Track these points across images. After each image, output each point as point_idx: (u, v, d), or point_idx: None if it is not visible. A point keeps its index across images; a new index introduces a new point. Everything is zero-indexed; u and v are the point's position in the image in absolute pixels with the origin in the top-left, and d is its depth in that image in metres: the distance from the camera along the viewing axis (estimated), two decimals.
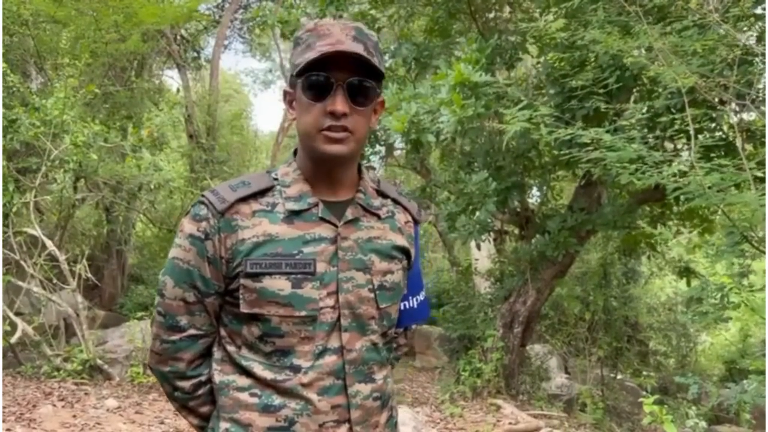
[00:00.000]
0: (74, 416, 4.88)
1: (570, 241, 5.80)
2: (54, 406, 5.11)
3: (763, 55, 4.56)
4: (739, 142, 4.21)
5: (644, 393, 7.01)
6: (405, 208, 1.40)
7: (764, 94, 4.87)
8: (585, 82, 4.57)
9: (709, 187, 3.27)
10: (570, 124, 3.97)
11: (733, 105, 4.19)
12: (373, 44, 1.22)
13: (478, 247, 6.51)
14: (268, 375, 1.21)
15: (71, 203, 8.10)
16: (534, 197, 7.15)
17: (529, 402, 6.29)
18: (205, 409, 1.32)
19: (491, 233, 7.15)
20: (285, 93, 1.29)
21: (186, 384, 1.30)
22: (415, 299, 1.45)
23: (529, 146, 5.63)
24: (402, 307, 1.42)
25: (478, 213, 5.56)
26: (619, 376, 8.36)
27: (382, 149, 6.65)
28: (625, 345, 8.21)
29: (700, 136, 4.31)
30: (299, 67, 1.19)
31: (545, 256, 6.05)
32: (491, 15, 6.62)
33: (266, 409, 1.20)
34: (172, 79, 14.28)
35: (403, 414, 4.85)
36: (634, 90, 5.18)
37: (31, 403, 5.11)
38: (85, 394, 5.56)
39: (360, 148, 1.27)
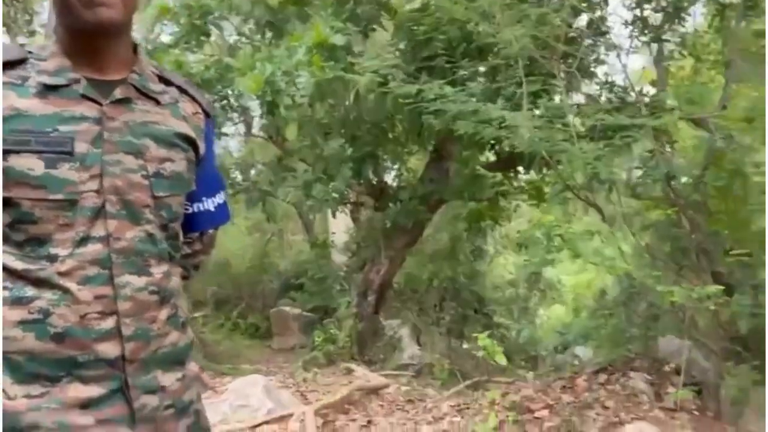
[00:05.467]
0: None
1: (420, 209, 6.06)
2: None
3: (592, 35, 5.10)
4: (567, 108, 4.61)
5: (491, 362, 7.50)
6: (193, 98, 1.28)
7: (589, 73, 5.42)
8: (433, 53, 4.79)
9: (539, 140, 3.57)
10: (418, 79, 4.15)
11: (563, 75, 4.58)
12: None
13: (334, 215, 6.58)
14: (19, 266, 1.08)
15: None
16: (390, 172, 7.36)
17: (382, 369, 6.44)
18: None
19: (348, 205, 7.26)
20: None
21: None
22: (210, 201, 1.37)
23: (383, 116, 5.78)
24: (196, 209, 1.34)
25: (334, 182, 5.61)
26: (466, 346, 8.84)
27: (235, 116, 6.48)
28: (473, 314, 8.74)
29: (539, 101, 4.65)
30: None
31: (397, 225, 6.26)
32: None
33: (17, 302, 1.07)
34: None
35: (254, 378, 4.77)
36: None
37: None
38: None
39: (130, 17, 1.16)
